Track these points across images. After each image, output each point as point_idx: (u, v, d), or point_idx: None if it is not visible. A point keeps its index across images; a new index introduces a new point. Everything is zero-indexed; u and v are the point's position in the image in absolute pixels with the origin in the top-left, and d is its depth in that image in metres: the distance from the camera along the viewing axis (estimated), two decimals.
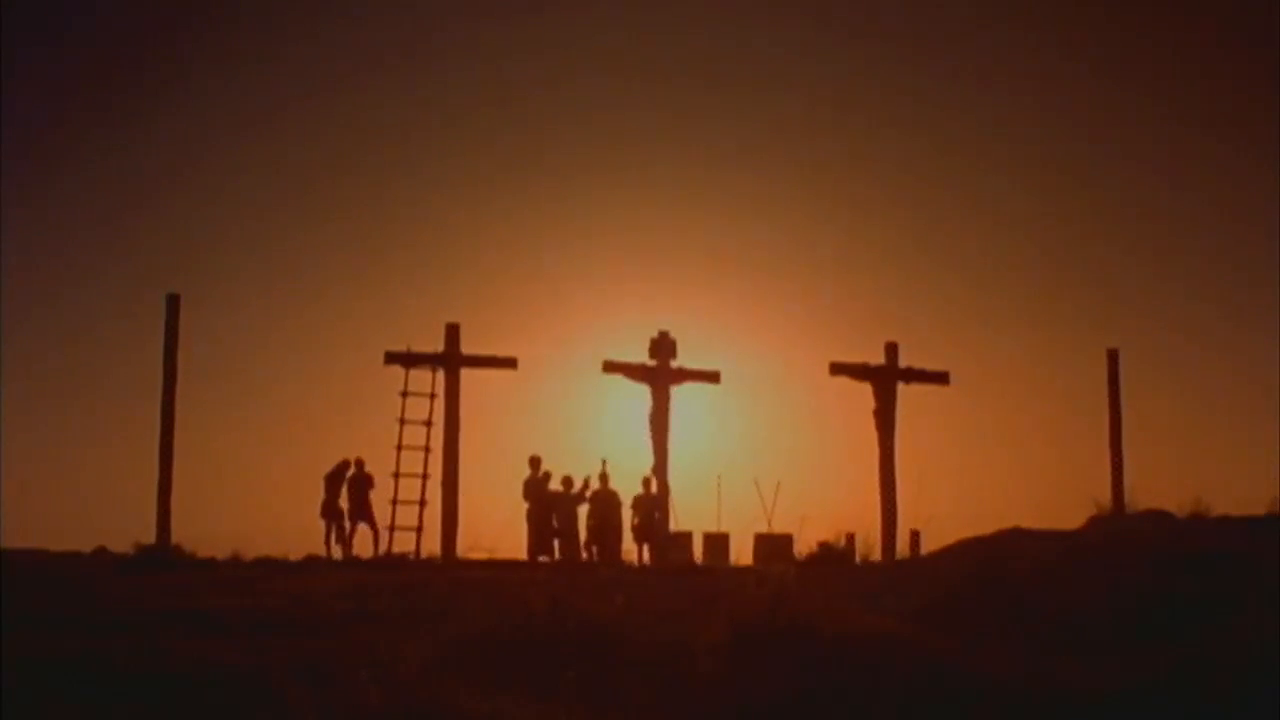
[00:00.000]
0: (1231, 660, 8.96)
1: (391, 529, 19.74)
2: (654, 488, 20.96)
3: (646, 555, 20.98)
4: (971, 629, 10.46)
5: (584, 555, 20.81)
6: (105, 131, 38.68)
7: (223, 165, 39.03)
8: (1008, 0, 39.91)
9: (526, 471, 20.97)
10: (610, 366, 20.69)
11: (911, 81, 40.13)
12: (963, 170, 40.35)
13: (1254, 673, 8.67)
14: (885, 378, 21.27)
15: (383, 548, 19.88)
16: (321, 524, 20.26)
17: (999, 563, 12.61)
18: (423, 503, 19.92)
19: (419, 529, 19.86)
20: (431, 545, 19.72)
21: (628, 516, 21.28)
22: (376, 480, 20.37)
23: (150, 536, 18.23)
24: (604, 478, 21.24)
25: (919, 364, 21.59)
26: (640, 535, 21.09)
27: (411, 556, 19.59)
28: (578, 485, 21.11)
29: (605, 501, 21.19)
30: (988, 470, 29.76)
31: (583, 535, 21.06)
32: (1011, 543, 13.76)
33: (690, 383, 21.03)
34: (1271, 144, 35.13)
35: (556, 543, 20.85)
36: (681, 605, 11.30)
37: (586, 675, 8.64)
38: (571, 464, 21.38)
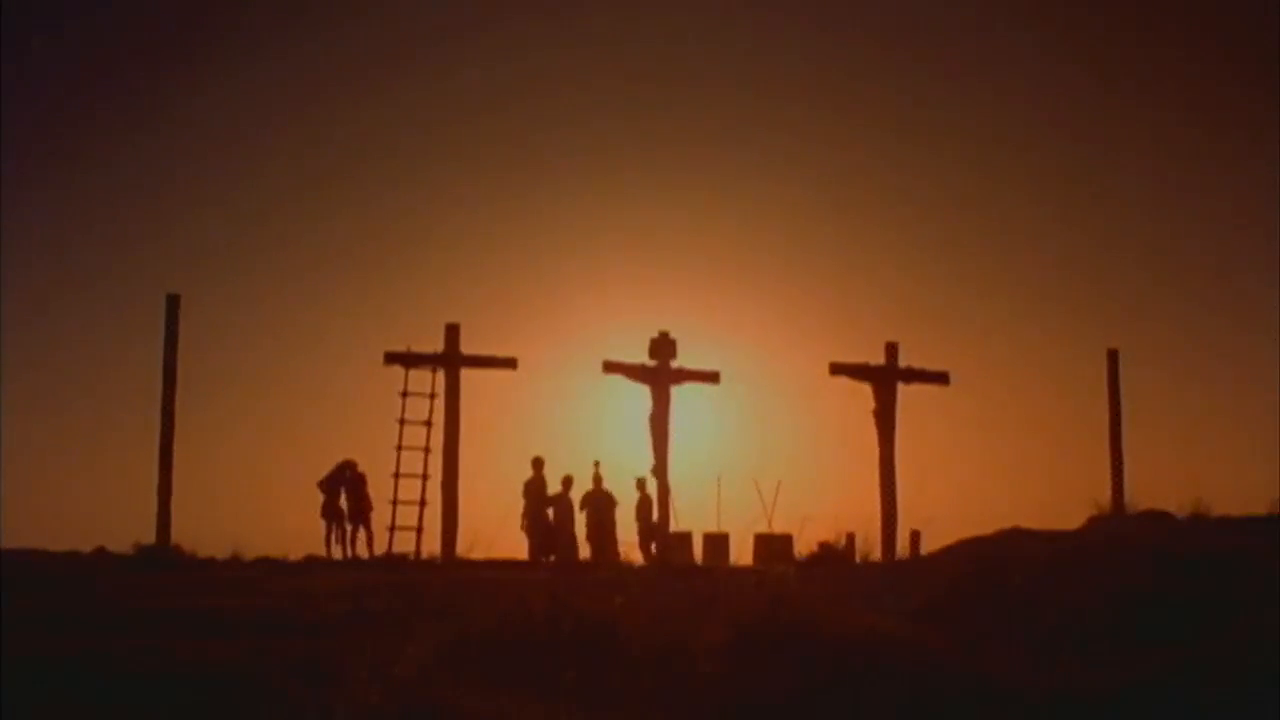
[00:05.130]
0: (1231, 660, 8.96)
1: (391, 529, 19.73)
2: (646, 488, 21.02)
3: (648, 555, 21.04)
4: (971, 629, 10.46)
5: (583, 554, 20.86)
6: (106, 132, 38.73)
7: (223, 166, 39.10)
8: (1007, 1, 39.93)
9: (528, 472, 21.07)
10: (610, 366, 20.68)
11: (911, 82, 40.19)
12: (963, 170, 40.43)
13: (1254, 673, 8.68)
14: (885, 378, 21.25)
15: (380, 549, 19.90)
16: (322, 524, 20.32)
17: (999, 563, 12.60)
18: (423, 503, 19.90)
19: (419, 529, 19.85)
20: (431, 545, 19.75)
21: (624, 517, 21.37)
22: (374, 481, 20.47)
23: (150, 536, 18.22)
24: (597, 479, 21.32)
25: (919, 364, 21.57)
26: (643, 538, 21.21)
27: (411, 556, 19.59)
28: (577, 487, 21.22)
29: (600, 502, 21.24)
30: (988, 470, 29.79)
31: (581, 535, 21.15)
32: (1011, 543, 13.75)
33: (690, 383, 21.01)
34: (1271, 144, 35.18)
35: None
36: (681, 605, 11.30)
37: (586, 675, 8.64)
38: (572, 464, 21.51)
